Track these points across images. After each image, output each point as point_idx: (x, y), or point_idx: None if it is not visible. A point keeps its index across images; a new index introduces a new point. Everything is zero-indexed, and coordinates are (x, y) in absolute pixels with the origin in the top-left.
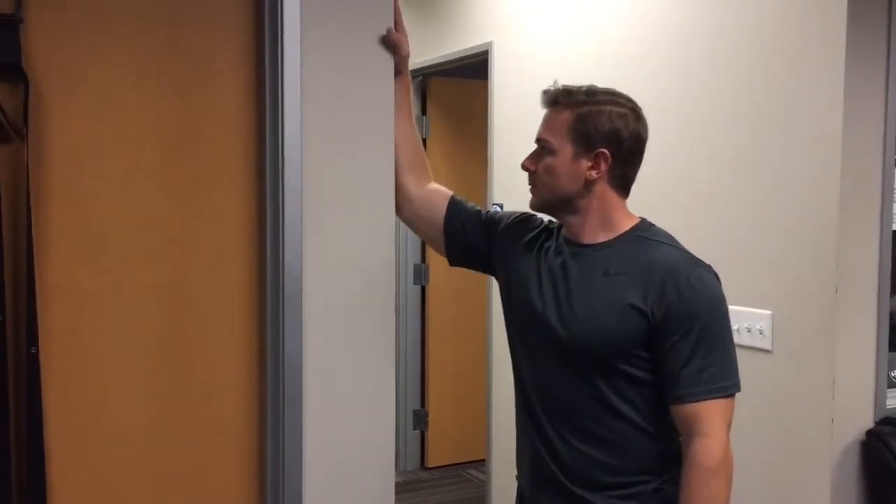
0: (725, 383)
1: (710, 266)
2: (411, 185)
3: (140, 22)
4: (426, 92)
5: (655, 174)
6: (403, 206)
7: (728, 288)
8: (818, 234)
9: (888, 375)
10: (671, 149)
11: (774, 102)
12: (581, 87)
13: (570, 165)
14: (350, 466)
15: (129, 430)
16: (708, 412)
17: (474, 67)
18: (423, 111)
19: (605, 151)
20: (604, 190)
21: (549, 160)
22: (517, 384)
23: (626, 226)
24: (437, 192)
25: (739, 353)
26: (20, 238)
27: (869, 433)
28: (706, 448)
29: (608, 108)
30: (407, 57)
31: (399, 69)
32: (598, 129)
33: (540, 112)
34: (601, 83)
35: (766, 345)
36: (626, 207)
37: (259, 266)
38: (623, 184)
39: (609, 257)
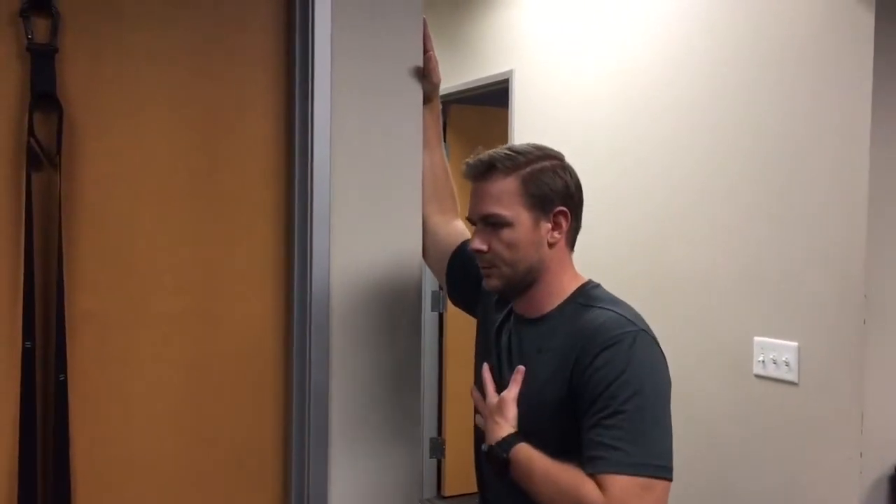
0: (639, 461)
1: (642, 331)
2: (429, 216)
3: (172, 50)
4: (446, 119)
5: (678, 205)
6: None
7: (754, 319)
8: (846, 265)
9: None
10: (694, 178)
11: (800, 129)
12: (505, 148)
13: (531, 234)
14: (375, 498)
15: (156, 458)
16: (613, 487)
17: (494, 95)
18: (444, 138)
19: (564, 209)
20: (560, 250)
21: (506, 234)
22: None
23: (570, 289)
24: (455, 229)
25: (766, 386)
26: (50, 265)
27: None
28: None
29: (548, 163)
30: (438, 84)
31: (429, 96)
32: (551, 188)
33: (559, 140)
34: (622, 112)
35: (793, 377)
36: (574, 267)
37: (286, 294)
38: (574, 239)
39: (545, 333)
